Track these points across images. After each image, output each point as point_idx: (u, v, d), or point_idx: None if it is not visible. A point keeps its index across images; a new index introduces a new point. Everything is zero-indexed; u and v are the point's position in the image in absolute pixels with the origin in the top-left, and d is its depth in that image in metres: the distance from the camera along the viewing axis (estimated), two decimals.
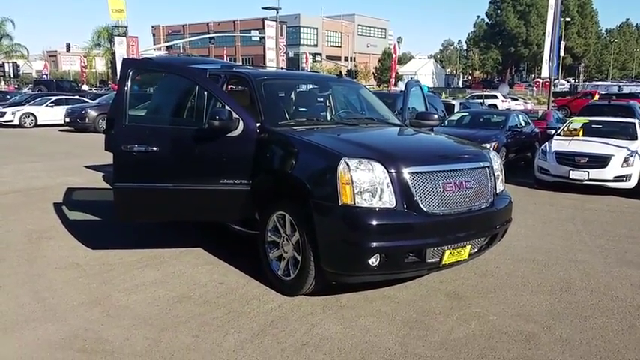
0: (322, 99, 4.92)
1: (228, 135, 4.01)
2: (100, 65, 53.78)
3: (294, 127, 4.20)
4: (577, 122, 10.39)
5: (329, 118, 4.73)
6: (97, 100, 19.87)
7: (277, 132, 4.07)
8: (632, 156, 8.54)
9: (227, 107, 3.97)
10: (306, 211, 3.53)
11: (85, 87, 38.29)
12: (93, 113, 17.28)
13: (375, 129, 4.48)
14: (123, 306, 3.57)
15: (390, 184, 3.35)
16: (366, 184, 3.33)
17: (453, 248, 3.55)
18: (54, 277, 4.08)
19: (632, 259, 4.95)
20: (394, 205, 3.32)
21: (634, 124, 9.99)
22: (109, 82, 43.25)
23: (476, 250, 3.83)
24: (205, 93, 4.25)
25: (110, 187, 8.13)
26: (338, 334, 3.20)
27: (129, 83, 4.07)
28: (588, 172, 8.49)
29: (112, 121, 4.89)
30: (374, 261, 3.30)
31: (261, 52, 37.87)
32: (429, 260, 3.47)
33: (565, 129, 10.22)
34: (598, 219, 6.75)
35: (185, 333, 3.19)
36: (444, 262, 3.57)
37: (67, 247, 4.81)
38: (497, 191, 3.97)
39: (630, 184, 8.44)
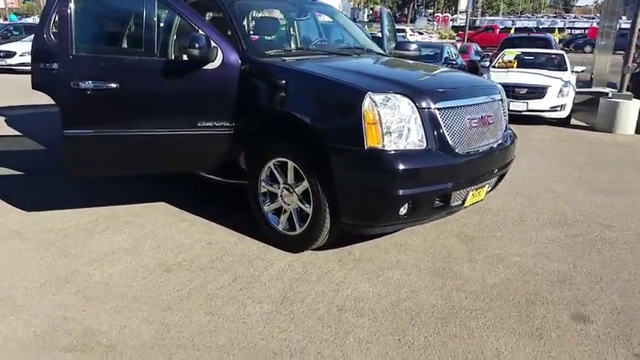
0: (305, 25, 4.25)
1: (206, 68, 3.30)
2: None
3: (284, 58, 3.55)
4: (510, 54, 10.54)
5: (317, 46, 4.09)
6: None
7: (267, 63, 3.40)
8: (566, 86, 8.82)
9: (202, 33, 3.22)
10: (319, 156, 3.00)
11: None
12: None
13: (374, 59, 3.95)
14: (99, 282, 2.88)
15: (420, 122, 2.91)
16: (394, 122, 2.85)
17: (475, 189, 3.25)
18: None
19: (604, 187, 5.06)
20: (424, 146, 2.90)
21: (563, 55, 10.33)
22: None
23: (490, 189, 3.59)
24: (176, 16, 3.42)
25: (19, 133, 6.91)
26: (371, 294, 2.82)
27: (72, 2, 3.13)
28: (527, 103, 8.69)
29: (42, 52, 3.86)
30: (403, 209, 2.91)
31: None
32: (453, 204, 3.15)
33: (500, 61, 10.34)
34: (550, 149, 6.91)
35: (195, 311, 2.62)
36: (465, 205, 3.27)
37: None
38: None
39: (564, 113, 8.79)
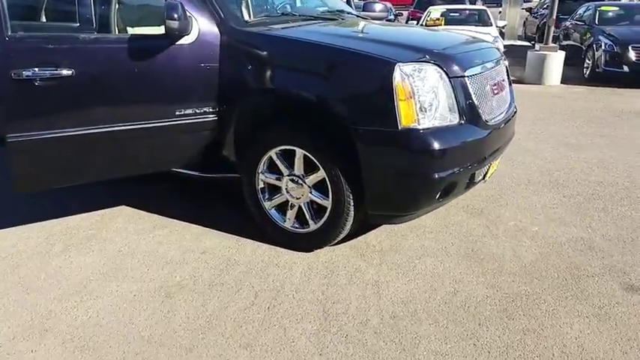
0: None
1: (180, 43, 2.70)
2: None
3: (269, 25, 3.01)
4: (436, 11, 10.51)
5: (299, 11, 3.54)
6: None
7: (255, 34, 2.85)
8: (496, 41, 8.94)
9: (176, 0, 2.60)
10: (340, 141, 2.58)
11: None
12: None
13: (368, 23, 3.49)
14: (88, 324, 2.27)
15: (453, 94, 2.57)
16: (428, 96, 2.48)
17: (494, 160, 3.02)
18: None
19: (568, 142, 5.13)
20: (457, 120, 2.58)
21: (486, 10, 10.49)
22: None
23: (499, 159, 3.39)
24: None
25: None
26: (416, 292, 2.51)
27: None
28: None
29: None
30: (439, 192, 2.60)
31: None
32: (477, 180, 2.89)
33: (427, 19, 10.27)
34: (558, 104, 6.95)
35: (227, 346, 2.14)
36: (485, 179, 3.03)
37: None
38: None
39: None
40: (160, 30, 2.86)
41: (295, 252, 2.88)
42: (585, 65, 9.40)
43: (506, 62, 3.34)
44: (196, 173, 3.24)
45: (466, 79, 2.62)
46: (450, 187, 2.62)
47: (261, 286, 2.55)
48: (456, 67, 2.60)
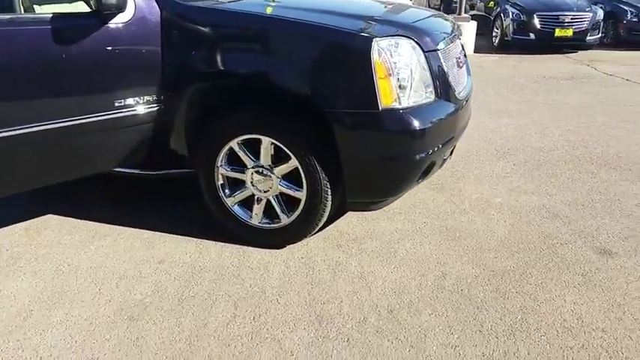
0: None
1: (114, 22, 2.30)
2: None
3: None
4: None
5: None
6: None
7: (205, 9, 2.49)
8: None
9: None
10: (314, 127, 2.35)
11: None
12: None
13: None
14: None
15: (429, 69, 2.41)
16: (406, 73, 2.31)
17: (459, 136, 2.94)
18: None
19: (507, 110, 5.28)
20: (433, 97, 2.43)
21: None
22: None
23: None
24: None
25: None
26: (405, 280, 2.37)
27: None
28: None
29: None
30: (420, 174, 2.46)
31: None
32: (447, 157, 2.81)
33: None
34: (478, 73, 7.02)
35: None
36: (450, 156, 2.96)
37: None
38: None
39: None
40: (82, 7, 2.44)
41: (266, 250, 2.62)
42: (494, 34, 9.82)
43: (461, 35, 3.26)
44: (137, 171, 2.85)
45: (439, 52, 2.48)
46: (430, 167, 2.49)
47: (239, 294, 2.28)
48: (428, 41, 2.44)
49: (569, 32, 8.81)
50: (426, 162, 2.40)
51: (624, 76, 6.96)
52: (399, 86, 2.27)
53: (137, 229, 2.82)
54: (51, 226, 2.88)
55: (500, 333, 2.03)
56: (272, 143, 2.45)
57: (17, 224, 2.91)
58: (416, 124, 2.28)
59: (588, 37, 8.98)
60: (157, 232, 2.79)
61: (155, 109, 2.52)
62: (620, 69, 7.56)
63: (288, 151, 2.42)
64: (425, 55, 2.39)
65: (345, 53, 2.26)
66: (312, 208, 2.48)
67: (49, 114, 2.25)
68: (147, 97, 2.47)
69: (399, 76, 2.26)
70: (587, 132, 4.52)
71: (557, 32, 8.83)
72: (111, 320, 2.11)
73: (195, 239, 2.72)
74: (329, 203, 2.48)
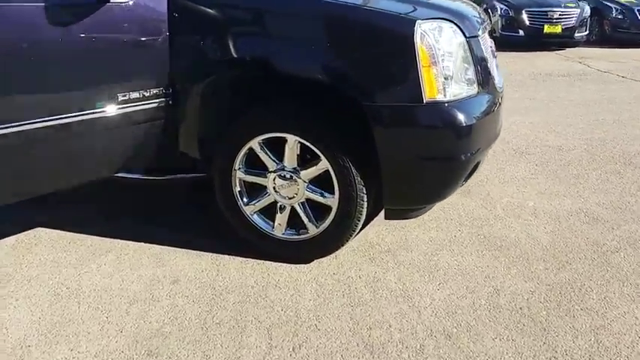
0: None
1: (115, 2, 1.98)
2: None
3: None
4: None
5: None
6: None
7: None
8: None
9: None
10: (350, 124, 2.07)
11: None
12: None
13: None
14: None
15: (471, 58, 2.16)
16: (451, 61, 2.05)
17: None
18: None
19: (515, 107, 5.09)
20: (477, 88, 2.18)
21: None
22: None
23: None
24: None
25: None
26: (454, 299, 2.11)
27: None
28: None
29: None
30: (466, 175, 2.21)
31: None
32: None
33: None
34: None
35: None
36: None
37: None
38: None
39: None
40: None
41: (292, 265, 2.33)
42: None
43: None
44: (141, 176, 2.52)
45: (479, 39, 2.24)
46: (474, 168, 2.25)
47: (271, 320, 1.98)
48: (469, 26, 2.19)
49: (558, 29, 8.76)
50: (472, 162, 2.15)
51: (619, 74, 6.91)
52: (444, 76, 2.01)
53: (142, 243, 2.48)
54: (43, 242, 2.51)
55: (578, 359, 1.79)
56: (299, 142, 2.15)
57: (3, 240, 2.53)
58: (463, 119, 2.02)
59: (576, 34, 8.95)
60: (165, 247, 2.46)
61: (163, 104, 2.20)
62: (612, 66, 7.53)
63: (317, 152, 2.13)
64: (467, 41, 2.14)
65: (385, 38, 1.99)
66: (346, 217, 2.19)
67: (39, 110, 1.91)
68: (154, 90, 2.15)
69: (444, 64, 2.00)
70: (602, 130, 4.37)
71: (546, 29, 8.77)
72: (126, 356, 1.79)
73: (210, 254, 2.40)
74: (364, 210, 2.20)
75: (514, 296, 2.13)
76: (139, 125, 2.18)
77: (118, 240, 2.51)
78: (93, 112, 2.01)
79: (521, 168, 3.52)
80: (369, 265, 2.35)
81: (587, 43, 9.74)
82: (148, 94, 2.14)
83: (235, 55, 2.12)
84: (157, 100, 2.17)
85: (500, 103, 2.36)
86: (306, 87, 2.11)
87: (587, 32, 9.39)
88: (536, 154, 3.78)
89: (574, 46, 9.29)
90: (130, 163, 2.31)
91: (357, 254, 2.43)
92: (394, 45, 1.97)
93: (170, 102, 2.21)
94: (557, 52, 8.93)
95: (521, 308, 2.06)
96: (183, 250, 2.43)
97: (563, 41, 9.09)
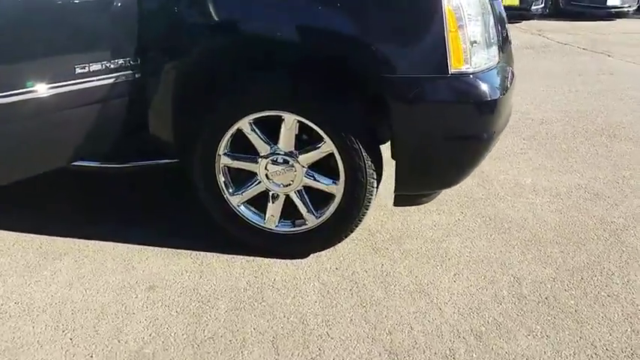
0: None
1: None
2: None
3: None
4: None
5: None
6: None
7: None
8: None
9: None
10: (359, 99, 1.78)
11: None
12: None
13: None
14: None
15: (493, 22, 1.91)
16: (478, 25, 1.79)
17: None
18: None
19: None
20: (497, 58, 1.93)
21: None
22: None
23: None
24: None
25: None
26: (476, 290, 1.89)
27: None
28: None
29: None
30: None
31: None
32: None
33: None
34: None
35: None
36: None
37: None
38: None
39: None
40: None
41: (287, 261, 2.04)
42: None
43: None
44: (99, 164, 2.13)
45: (500, 2, 1.99)
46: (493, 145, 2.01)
47: (274, 329, 1.69)
48: None
49: (516, 1, 8.72)
50: (494, 141, 1.91)
51: (579, 46, 6.94)
52: (472, 43, 1.75)
53: (106, 242, 2.11)
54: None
55: (621, 355, 1.62)
56: (297, 122, 1.84)
57: None
58: (489, 92, 1.78)
59: (533, 7, 8.97)
60: (134, 246, 2.09)
61: (130, 77, 1.82)
62: (570, 38, 7.57)
63: (321, 132, 1.83)
64: (491, 3, 1.89)
65: None
66: (353, 205, 1.91)
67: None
68: (119, 61, 1.76)
69: (471, 28, 1.74)
70: (578, 102, 4.29)
71: (504, 1, 8.69)
72: None
73: (189, 252, 2.07)
74: (373, 197, 1.93)
75: (536, 285, 1.94)
76: (100, 104, 1.79)
77: (75, 240, 2.12)
78: (44, 89, 1.61)
79: (509, 143, 3.35)
80: (373, 256, 2.09)
81: (542, 16, 9.80)
82: (113, 65, 1.75)
83: (222, 19, 1.76)
84: (123, 74, 1.79)
85: (515, 76, 2.14)
86: (310, 57, 1.79)
87: (543, 5, 9.43)
88: (521, 128, 3.63)
89: (530, 19, 9.32)
90: (90, 149, 1.92)
91: (357, 244, 2.17)
92: (418, 6, 1.68)
93: (138, 75, 1.83)
94: (514, 24, 8.91)
95: (546, 298, 1.87)
96: (157, 249, 2.08)
97: (521, 13, 9.09)
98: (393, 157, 1.85)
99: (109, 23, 1.70)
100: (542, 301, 1.85)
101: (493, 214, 2.46)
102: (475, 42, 1.77)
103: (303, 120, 1.82)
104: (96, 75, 1.70)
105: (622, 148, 3.30)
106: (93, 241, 2.11)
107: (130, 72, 1.81)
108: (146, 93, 1.88)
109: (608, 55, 6.28)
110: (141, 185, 2.57)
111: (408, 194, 1.98)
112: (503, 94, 1.84)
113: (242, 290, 1.86)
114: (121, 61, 1.76)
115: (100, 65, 1.70)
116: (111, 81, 1.76)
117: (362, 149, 1.81)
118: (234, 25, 1.77)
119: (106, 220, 2.28)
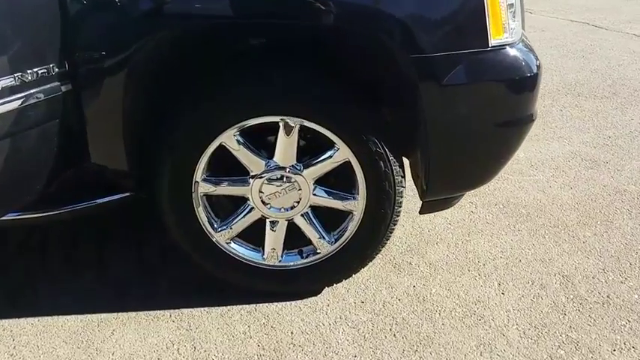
0: None
1: None
2: None
3: None
4: None
5: None
6: None
7: None
8: None
9: None
10: (381, 92, 1.38)
11: None
12: None
13: None
14: None
15: None
16: None
17: None
18: None
19: None
20: (520, 33, 1.60)
21: None
22: None
23: None
24: None
25: None
26: (544, 302, 1.60)
27: None
28: None
29: None
30: None
31: None
32: None
33: None
34: None
35: None
36: None
37: None
38: None
39: None
40: None
41: (296, 302, 1.61)
42: None
43: None
44: (16, 216, 1.54)
45: None
46: None
47: None
48: None
49: None
50: (532, 124, 1.59)
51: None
52: (509, 11, 1.40)
53: (51, 318, 1.54)
54: None
55: None
56: (301, 126, 1.40)
57: None
58: (533, 64, 1.46)
59: None
60: (91, 316, 1.55)
61: (57, 92, 1.27)
62: None
63: (334, 137, 1.40)
64: None
65: None
66: (378, 221, 1.51)
67: None
68: (39, 71, 1.21)
69: None
70: None
71: None
72: None
73: (171, 313, 1.57)
74: (401, 209, 1.55)
75: (590, 282, 1.68)
76: (12, 137, 1.22)
77: (4, 321, 1.54)
78: None
79: None
80: (398, 276, 1.73)
81: None
82: (29, 77, 1.19)
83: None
84: (45, 88, 1.23)
85: None
86: (319, 41, 1.35)
87: None
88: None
89: None
90: (8, 201, 1.34)
91: (374, 264, 1.78)
92: None
93: (69, 87, 1.29)
94: None
95: (609, 297, 1.62)
96: (124, 316, 1.56)
97: None
98: (420, 158, 1.48)
99: (18, 18, 1.14)
100: (605, 302, 1.60)
101: (504, 199, 2.18)
102: (511, 5, 1.42)
103: (311, 124, 1.38)
104: (2, 95, 1.14)
105: (592, 106, 3.17)
106: (31, 319, 1.55)
107: (57, 83, 1.25)
108: (82, 109, 1.33)
109: (530, 13, 6.30)
110: (86, 230, 1.98)
111: (439, 199, 1.61)
112: (539, 67, 1.52)
113: (256, 358, 1.42)
114: (40, 70, 1.20)
115: (8, 80, 1.14)
116: (28, 102, 1.20)
117: (388, 153, 1.41)
118: (210, 9, 1.27)
119: (49, 288, 1.70)
